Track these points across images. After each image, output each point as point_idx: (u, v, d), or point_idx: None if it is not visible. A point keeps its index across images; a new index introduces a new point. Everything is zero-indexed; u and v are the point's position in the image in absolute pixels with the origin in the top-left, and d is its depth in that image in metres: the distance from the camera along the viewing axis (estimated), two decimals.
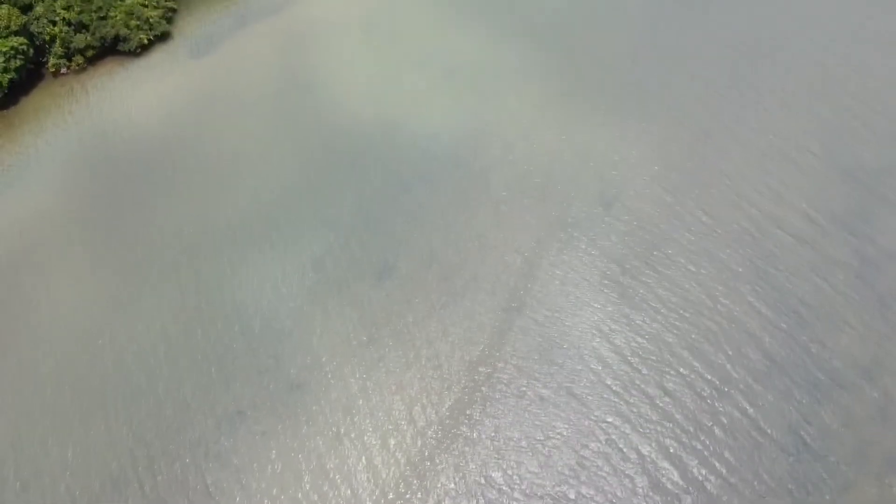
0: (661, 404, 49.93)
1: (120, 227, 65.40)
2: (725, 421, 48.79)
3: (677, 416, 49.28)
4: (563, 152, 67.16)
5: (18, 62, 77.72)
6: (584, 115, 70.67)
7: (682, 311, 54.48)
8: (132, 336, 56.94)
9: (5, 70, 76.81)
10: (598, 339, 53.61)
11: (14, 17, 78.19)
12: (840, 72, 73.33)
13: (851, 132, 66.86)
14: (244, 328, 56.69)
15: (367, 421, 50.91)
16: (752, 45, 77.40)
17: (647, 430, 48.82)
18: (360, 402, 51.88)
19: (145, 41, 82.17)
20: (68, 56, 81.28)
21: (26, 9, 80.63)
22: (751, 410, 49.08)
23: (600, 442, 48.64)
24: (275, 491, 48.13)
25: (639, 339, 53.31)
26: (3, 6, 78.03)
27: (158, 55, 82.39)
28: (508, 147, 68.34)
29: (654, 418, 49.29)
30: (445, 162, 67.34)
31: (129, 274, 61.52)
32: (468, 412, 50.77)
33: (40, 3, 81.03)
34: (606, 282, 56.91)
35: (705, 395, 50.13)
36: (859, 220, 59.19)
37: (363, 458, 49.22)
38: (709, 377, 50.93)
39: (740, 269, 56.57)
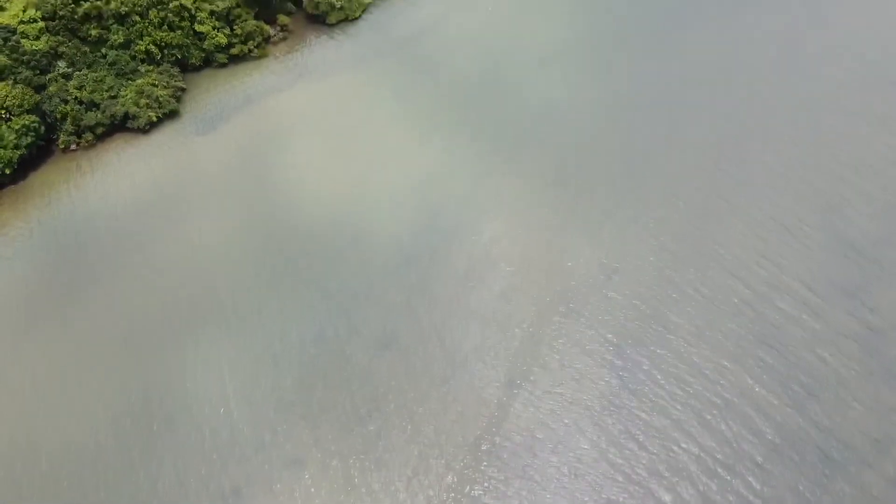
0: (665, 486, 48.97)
1: (89, 304, 66.15)
2: (733, 500, 47.71)
3: (685, 496, 48.24)
4: (562, 228, 68.03)
5: (30, 139, 79.68)
6: (575, 200, 71.61)
7: (682, 389, 53.99)
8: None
9: (16, 146, 78.68)
10: (601, 415, 52.96)
11: (28, 97, 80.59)
12: (832, 144, 74.56)
13: (847, 203, 67.59)
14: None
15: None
16: (744, 121, 79.27)
17: None
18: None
19: (154, 119, 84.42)
20: (78, 133, 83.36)
21: (40, 88, 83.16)
22: (759, 488, 48.06)
23: None
24: None
25: (643, 416, 52.67)
26: (18, 86, 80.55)
27: (166, 132, 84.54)
28: (506, 231, 69.33)
29: (666, 500, 48.22)
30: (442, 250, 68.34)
31: (85, 351, 61.77)
32: (468, 490, 49.75)
33: (54, 83, 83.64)
34: (606, 357, 56.65)
35: (712, 471, 49.18)
36: (860, 292, 59.31)
37: None
38: (718, 456, 50.08)
39: (741, 346, 56.39)
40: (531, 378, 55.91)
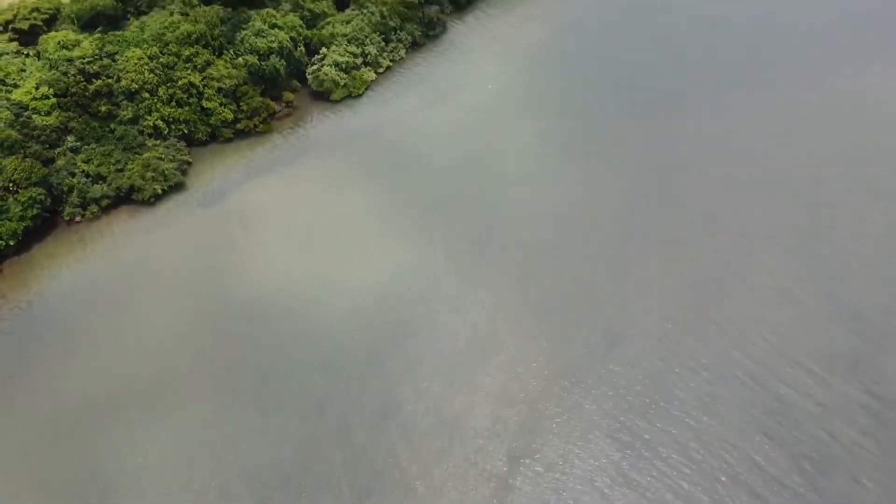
0: None
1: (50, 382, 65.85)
2: None
3: None
4: (568, 298, 68.03)
5: (35, 210, 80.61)
6: (576, 279, 72.06)
7: (683, 469, 52.65)
8: None
9: (22, 218, 79.50)
10: (608, 492, 51.51)
11: (36, 170, 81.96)
12: (831, 214, 75.33)
13: (849, 274, 67.65)
14: None
15: None
16: (744, 191, 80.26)
17: None
18: None
19: (159, 191, 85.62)
20: (83, 205, 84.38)
21: (48, 162, 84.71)
22: None
23: None
24: None
25: (649, 495, 51.21)
26: (27, 160, 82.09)
27: (170, 204, 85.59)
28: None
29: None
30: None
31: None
32: None
33: (62, 157, 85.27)
34: (607, 437, 55.52)
35: None
36: (865, 362, 58.56)
37: None
38: None
39: (747, 421, 55.33)
40: (533, 454, 54.66)
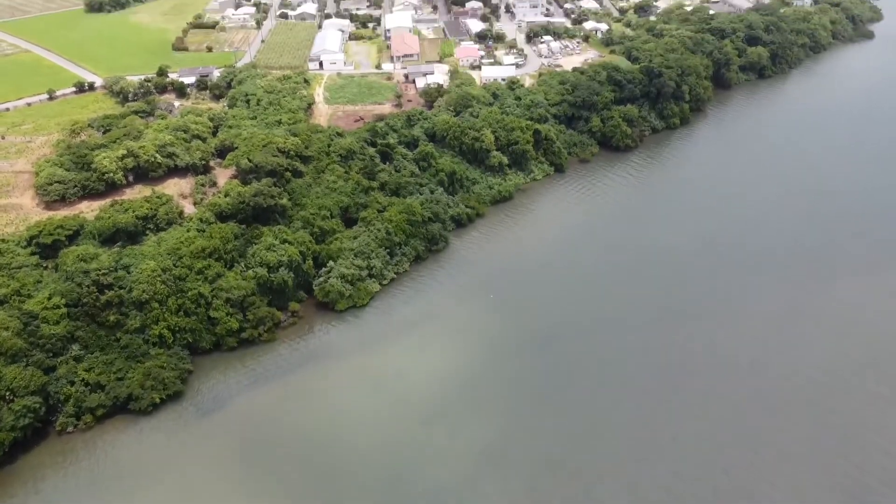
0: None
1: None
2: None
3: None
4: None
5: (27, 420, 78.48)
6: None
7: None
8: None
9: (12, 428, 77.12)
10: None
11: (35, 379, 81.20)
12: (850, 431, 74.74)
13: (870, 487, 64.76)
14: None
15: None
16: (763, 410, 79.55)
17: None
18: None
19: (157, 400, 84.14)
20: (78, 415, 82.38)
21: (50, 370, 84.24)
22: None
23: None
24: None
25: None
26: (29, 368, 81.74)
27: (168, 413, 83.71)
28: None
29: None
30: None
31: None
32: None
33: (64, 365, 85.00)
34: None
35: None
36: None
37: None
38: None
39: None
40: None
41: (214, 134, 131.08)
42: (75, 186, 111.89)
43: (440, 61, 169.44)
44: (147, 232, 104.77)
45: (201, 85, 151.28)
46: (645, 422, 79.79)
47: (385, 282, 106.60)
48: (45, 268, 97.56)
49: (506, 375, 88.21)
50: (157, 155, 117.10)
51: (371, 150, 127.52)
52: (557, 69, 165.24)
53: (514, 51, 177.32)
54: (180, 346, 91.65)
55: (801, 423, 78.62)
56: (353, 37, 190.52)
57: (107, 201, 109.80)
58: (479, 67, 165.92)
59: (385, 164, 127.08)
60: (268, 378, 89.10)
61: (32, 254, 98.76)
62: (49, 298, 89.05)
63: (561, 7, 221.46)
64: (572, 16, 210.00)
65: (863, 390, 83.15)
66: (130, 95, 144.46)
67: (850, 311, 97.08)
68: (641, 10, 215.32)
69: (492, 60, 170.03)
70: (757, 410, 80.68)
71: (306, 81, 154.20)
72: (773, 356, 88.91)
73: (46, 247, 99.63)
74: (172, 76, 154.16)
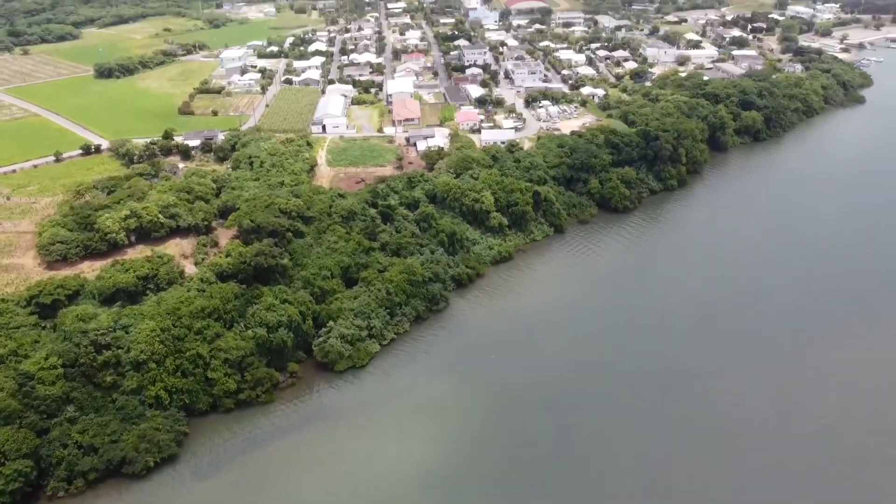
0: None
1: None
2: None
3: None
4: None
5: (17, 484, 76.66)
6: None
7: None
8: None
9: (1, 493, 75.26)
10: None
11: (28, 441, 79.68)
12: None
13: None
14: None
15: None
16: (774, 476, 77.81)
17: None
18: None
19: (151, 464, 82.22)
20: (70, 479, 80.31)
21: (43, 432, 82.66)
22: None
23: None
24: None
25: None
26: (22, 430, 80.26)
27: (163, 477, 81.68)
28: None
29: None
30: None
31: None
32: None
33: (58, 427, 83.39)
34: None
35: None
36: None
37: None
38: None
39: None
40: None
41: (217, 195, 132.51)
42: (77, 246, 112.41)
43: (441, 125, 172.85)
44: (147, 292, 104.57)
45: (206, 147, 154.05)
46: (647, 493, 78.04)
47: (385, 342, 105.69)
48: (44, 328, 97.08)
49: (507, 440, 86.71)
50: (159, 215, 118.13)
51: (372, 212, 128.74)
52: (556, 133, 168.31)
53: (514, 115, 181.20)
54: (177, 407, 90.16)
55: (812, 491, 76.72)
56: (356, 102, 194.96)
57: (108, 261, 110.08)
58: (478, 131, 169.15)
59: (386, 224, 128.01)
60: (265, 440, 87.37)
61: (31, 313, 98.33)
62: (46, 359, 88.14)
63: (558, 73, 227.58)
64: (569, 82, 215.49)
65: (874, 451, 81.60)
66: (136, 158, 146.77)
67: (852, 371, 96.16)
68: (637, 76, 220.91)
69: (491, 124, 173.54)
70: (760, 479, 78.90)
71: (309, 144, 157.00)
72: (777, 421, 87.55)
73: (46, 307, 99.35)
74: (178, 139, 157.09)
